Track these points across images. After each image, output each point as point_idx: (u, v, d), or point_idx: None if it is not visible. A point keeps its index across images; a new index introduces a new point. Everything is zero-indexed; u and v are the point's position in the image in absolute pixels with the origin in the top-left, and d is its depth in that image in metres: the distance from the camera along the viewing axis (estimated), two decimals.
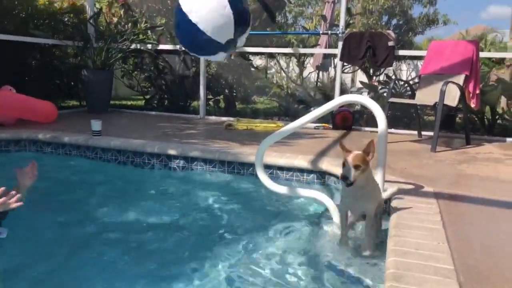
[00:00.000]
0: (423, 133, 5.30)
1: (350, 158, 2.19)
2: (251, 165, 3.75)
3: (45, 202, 3.17)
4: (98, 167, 4.19)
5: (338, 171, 3.41)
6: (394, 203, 2.58)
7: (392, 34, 5.92)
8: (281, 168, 3.77)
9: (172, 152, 4.07)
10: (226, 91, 7.95)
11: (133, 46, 6.99)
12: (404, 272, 1.68)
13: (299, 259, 2.35)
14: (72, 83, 7.86)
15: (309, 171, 3.69)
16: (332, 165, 3.55)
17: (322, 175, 3.64)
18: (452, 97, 4.53)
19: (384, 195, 2.60)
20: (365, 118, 6.28)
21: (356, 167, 2.17)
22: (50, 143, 4.51)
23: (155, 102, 7.84)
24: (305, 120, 3.04)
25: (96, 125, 4.41)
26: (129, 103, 8.69)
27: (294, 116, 3.18)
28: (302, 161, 3.72)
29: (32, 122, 5.14)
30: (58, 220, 2.90)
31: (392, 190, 2.71)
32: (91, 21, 7.03)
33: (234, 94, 8.31)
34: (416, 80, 6.32)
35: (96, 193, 3.49)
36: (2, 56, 6.24)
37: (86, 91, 6.94)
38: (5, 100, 4.99)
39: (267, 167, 3.61)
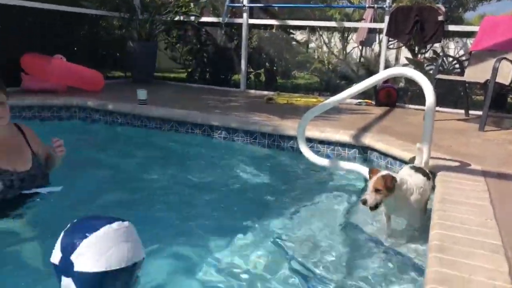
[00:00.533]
0: (471, 112, 5.11)
1: (371, 182, 2.13)
2: (292, 138, 3.77)
3: (92, 164, 3.33)
4: (143, 134, 4.33)
5: (382, 147, 3.39)
6: (439, 179, 2.54)
7: (442, 8, 5.67)
8: (322, 142, 3.77)
9: (214, 122, 4.14)
10: (267, 65, 7.92)
11: (176, 18, 7.06)
12: (449, 245, 1.66)
13: (337, 232, 2.37)
14: (118, 54, 8.06)
15: (351, 146, 3.66)
16: (375, 140, 3.51)
17: (364, 150, 3.60)
18: (505, 75, 4.32)
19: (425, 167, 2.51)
20: (410, 95, 6.12)
21: (377, 191, 2.10)
22: (98, 110, 4.69)
23: (197, 75, 7.93)
24: (348, 93, 3.01)
25: (142, 94, 4.54)
26: (172, 75, 8.84)
27: (335, 92, 3.13)
28: (344, 136, 3.69)
29: (81, 91, 5.34)
30: (105, 180, 3.07)
31: (424, 157, 2.56)
32: None
33: (275, 68, 8.26)
34: (465, 57, 6.06)
35: (141, 158, 3.63)
36: (54, 26, 6.47)
37: (131, 62, 7.10)
38: (57, 68, 5.20)
39: (308, 140, 3.61)
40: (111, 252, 1.44)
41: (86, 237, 1.44)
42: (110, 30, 7.81)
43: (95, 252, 1.42)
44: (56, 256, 1.45)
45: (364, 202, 2.11)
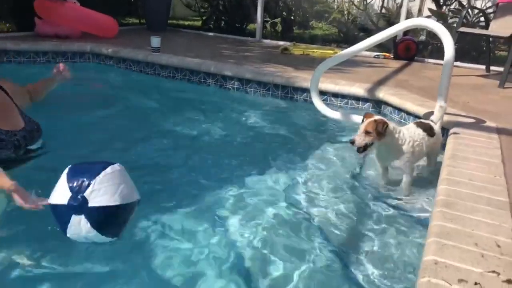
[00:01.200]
0: (492, 68, 4.94)
1: (363, 124, 2.14)
2: (305, 90, 3.73)
3: (102, 110, 3.37)
4: (156, 82, 4.33)
5: (396, 101, 3.34)
6: (451, 136, 2.51)
7: None
8: (336, 95, 3.72)
9: (227, 72, 4.10)
10: (284, 14, 7.68)
11: None
12: (455, 200, 1.67)
13: (345, 185, 2.39)
14: (132, 0, 7.89)
15: (365, 99, 3.61)
16: (389, 94, 3.45)
17: (378, 104, 3.56)
18: None
19: (436, 127, 2.46)
20: (430, 49, 5.92)
21: (367, 133, 2.11)
22: (112, 57, 4.67)
23: (212, 23, 7.76)
24: (364, 45, 2.92)
25: (156, 41, 4.49)
26: (186, 23, 8.66)
27: (354, 44, 3.04)
28: (359, 89, 3.63)
29: (95, 36, 5.30)
30: (115, 121, 3.15)
31: (439, 113, 2.50)
32: None
33: (292, 17, 8.01)
34: (492, 10, 5.77)
35: (151, 106, 3.66)
36: None
37: (145, 8, 6.96)
38: (70, 11, 5.13)
39: (322, 93, 3.57)
40: (122, 188, 1.53)
41: (97, 175, 1.49)
42: None
43: (109, 188, 1.50)
44: (62, 196, 1.49)
45: (352, 142, 2.15)
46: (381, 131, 2.11)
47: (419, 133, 2.29)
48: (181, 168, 2.52)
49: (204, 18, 7.99)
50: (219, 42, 6.28)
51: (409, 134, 2.25)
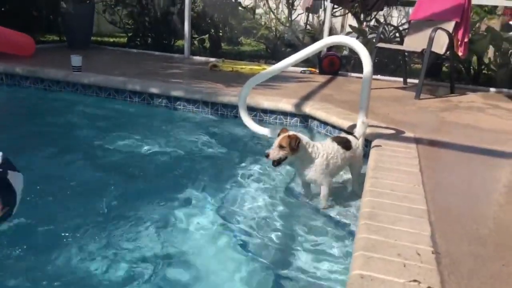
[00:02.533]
0: (409, 80, 5.29)
1: (277, 139, 2.23)
2: (235, 107, 3.72)
3: (21, 133, 3.13)
4: (77, 102, 4.10)
5: (321, 115, 3.44)
6: (373, 147, 2.61)
7: None
8: (265, 111, 3.76)
9: (154, 90, 4.00)
10: (212, 30, 7.71)
11: None
12: (378, 211, 1.72)
13: (276, 200, 2.40)
14: (51, 17, 7.50)
15: (293, 114, 3.68)
16: (315, 109, 3.55)
17: (306, 119, 3.64)
18: (441, 45, 4.47)
19: (359, 142, 2.56)
20: (352, 63, 6.21)
21: (281, 147, 2.20)
22: (28, 77, 4.37)
23: (138, 39, 7.58)
24: (291, 61, 2.98)
25: (76, 60, 4.28)
26: (111, 40, 8.40)
27: (281, 60, 3.10)
28: (286, 104, 3.70)
29: (10, 56, 4.94)
30: (34, 150, 2.90)
31: (361, 129, 2.60)
32: None
33: (220, 34, 8.06)
34: (406, 26, 6.20)
35: (76, 126, 3.46)
36: None
37: (66, 25, 6.65)
38: None
39: (251, 109, 3.59)
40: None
41: None
42: None
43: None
44: None
45: (267, 156, 2.23)
46: (293, 146, 2.19)
47: (334, 146, 2.37)
48: (105, 188, 2.39)
49: (129, 34, 7.79)
50: (146, 59, 6.14)
51: (323, 148, 2.33)
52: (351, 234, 2.05)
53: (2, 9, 6.63)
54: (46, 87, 4.32)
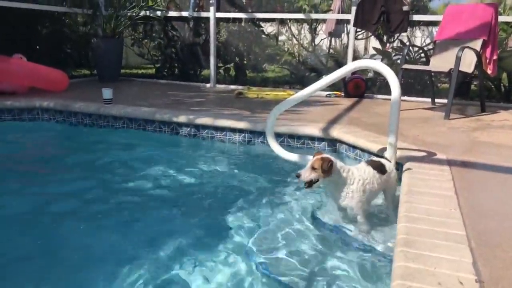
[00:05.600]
0: (437, 100, 5.21)
1: (311, 160, 2.21)
2: (262, 133, 3.74)
3: (57, 167, 3.23)
4: (110, 134, 4.22)
5: (350, 139, 3.41)
6: (406, 171, 2.57)
7: None
8: (291, 136, 3.76)
9: (182, 119, 4.07)
10: (237, 59, 7.85)
11: (142, 13, 6.90)
12: (415, 238, 1.67)
13: (306, 228, 2.37)
14: (83, 52, 7.83)
15: (320, 139, 3.67)
16: (343, 132, 3.52)
17: (333, 143, 3.62)
18: (468, 63, 4.41)
19: (389, 165, 2.52)
20: (378, 85, 6.18)
21: (313, 169, 2.18)
22: (62, 111, 4.54)
23: (165, 70, 7.80)
24: (316, 87, 2.99)
25: (107, 93, 4.42)
26: (139, 71, 8.67)
27: (306, 85, 3.12)
28: (313, 129, 3.69)
29: (44, 91, 5.16)
30: (71, 182, 2.99)
31: (390, 152, 2.61)
32: None
33: (245, 62, 8.20)
34: (431, 46, 6.16)
35: (108, 159, 3.54)
36: (12, 23, 6.21)
37: (97, 59, 6.91)
38: (16, 68, 4.99)
39: (278, 135, 3.60)
40: None
41: None
42: (74, 27, 7.56)
43: None
44: None
45: (298, 176, 2.21)
46: (325, 168, 2.16)
47: (370, 171, 2.32)
48: (147, 219, 2.45)
49: (157, 66, 8.03)
50: (173, 89, 6.28)
51: (359, 173, 2.28)
52: (387, 260, 2.00)
53: (37, 46, 6.96)
54: (79, 120, 4.46)
